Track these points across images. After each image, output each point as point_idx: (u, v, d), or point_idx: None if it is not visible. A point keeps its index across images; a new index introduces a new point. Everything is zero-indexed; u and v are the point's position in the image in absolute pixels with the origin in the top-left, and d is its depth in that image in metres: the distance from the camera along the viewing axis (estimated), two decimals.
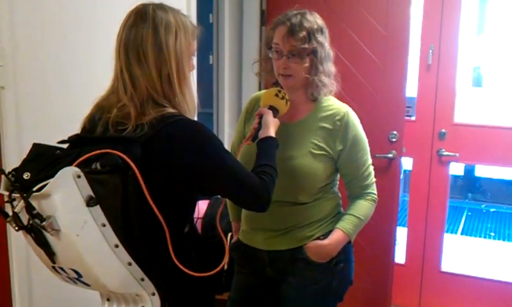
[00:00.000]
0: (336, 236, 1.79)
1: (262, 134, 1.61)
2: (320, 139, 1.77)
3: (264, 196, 1.43)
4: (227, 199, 1.77)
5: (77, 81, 1.96)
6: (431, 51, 3.18)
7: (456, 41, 3.15)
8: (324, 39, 1.75)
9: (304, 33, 1.68)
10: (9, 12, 1.66)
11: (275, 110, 1.68)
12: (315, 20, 1.74)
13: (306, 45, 1.69)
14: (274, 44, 1.75)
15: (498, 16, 5.96)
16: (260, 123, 1.64)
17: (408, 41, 2.92)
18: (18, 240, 1.73)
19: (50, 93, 1.87)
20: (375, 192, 1.86)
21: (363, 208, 1.83)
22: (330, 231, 1.80)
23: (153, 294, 1.34)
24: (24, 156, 1.30)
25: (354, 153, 1.79)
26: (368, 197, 1.84)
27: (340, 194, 1.92)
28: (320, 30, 1.74)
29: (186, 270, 1.35)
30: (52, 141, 1.35)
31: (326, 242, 1.78)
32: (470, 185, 6.46)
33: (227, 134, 3.25)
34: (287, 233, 1.80)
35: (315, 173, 1.75)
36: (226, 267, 1.48)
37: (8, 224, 1.23)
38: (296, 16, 1.72)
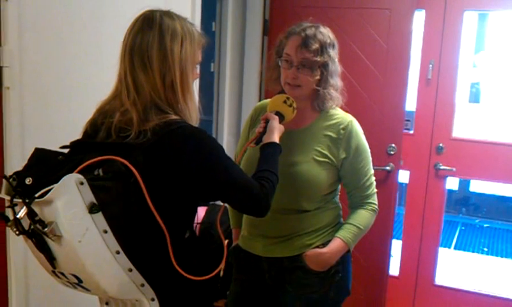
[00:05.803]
0: (335, 245, 1.79)
1: (266, 139, 1.61)
2: (324, 147, 1.77)
3: (263, 201, 1.43)
4: (228, 206, 1.77)
5: (82, 85, 1.96)
6: (431, 66, 3.20)
7: (456, 57, 3.17)
8: (335, 54, 1.77)
9: (317, 46, 1.70)
10: (17, 14, 1.67)
11: (281, 117, 1.69)
12: (328, 34, 1.76)
13: (318, 58, 1.70)
14: (285, 54, 1.75)
15: (497, 35, 6.01)
16: (265, 127, 1.64)
17: (409, 55, 2.94)
18: (16, 243, 1.72)
19: (55, 95, 1.88)
20: (376, 202, 1.86)
21: (363, 217, 1.82)
22: (329, 241, 1.80)
23: (153, 299, 1.34)
24: (27, 159, 1.30)
25: (356, 162, 1.80)
26: (369, 207, 1.84)
27: (341, 205, 1.92)
28: (332, 45, 1.76)
29: (187, 275, 1.35)
30: (55, 145, 1.35)
31: (324, 250, 1.78)
32: (464, 199, 6.49)
33: (226, 142, 3.25)
34: (287, 240, 1.80)
35: (318, 179, 1.75)
36: (222, 273, 1.48)
37: (7, 228, 1.22)
38: (311, 28, 1.73)
